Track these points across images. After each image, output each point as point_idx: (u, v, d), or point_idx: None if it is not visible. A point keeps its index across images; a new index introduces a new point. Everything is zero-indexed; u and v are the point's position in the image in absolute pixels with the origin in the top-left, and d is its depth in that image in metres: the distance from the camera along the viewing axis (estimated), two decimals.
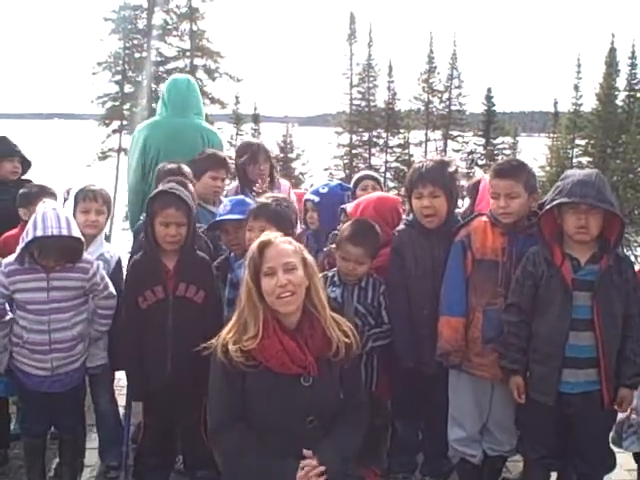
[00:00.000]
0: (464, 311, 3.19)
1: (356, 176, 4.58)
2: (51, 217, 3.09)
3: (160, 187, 3.36)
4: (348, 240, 3.27)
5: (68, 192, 4.05)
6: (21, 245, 3.11)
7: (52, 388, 3.23)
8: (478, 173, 4.51)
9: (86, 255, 3.24)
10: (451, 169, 3.34)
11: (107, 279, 3.33)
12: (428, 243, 3.32)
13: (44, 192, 3.74)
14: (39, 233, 3.04)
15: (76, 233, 3.14)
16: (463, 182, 4.09)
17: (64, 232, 3.07)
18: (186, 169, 3.95)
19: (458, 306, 3.19)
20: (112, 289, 3.33)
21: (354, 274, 3.31)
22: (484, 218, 3.24)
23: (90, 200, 3.55)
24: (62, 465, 3.49)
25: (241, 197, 3.78)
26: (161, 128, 4.53)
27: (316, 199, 3.99)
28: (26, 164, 4.42)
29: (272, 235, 2.53)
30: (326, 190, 4.03)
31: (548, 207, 2.93)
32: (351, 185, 4.38)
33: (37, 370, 3.20)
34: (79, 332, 3.24)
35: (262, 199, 3.37)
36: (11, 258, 3.18)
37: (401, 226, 3.44)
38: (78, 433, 3.48)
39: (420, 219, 3.32)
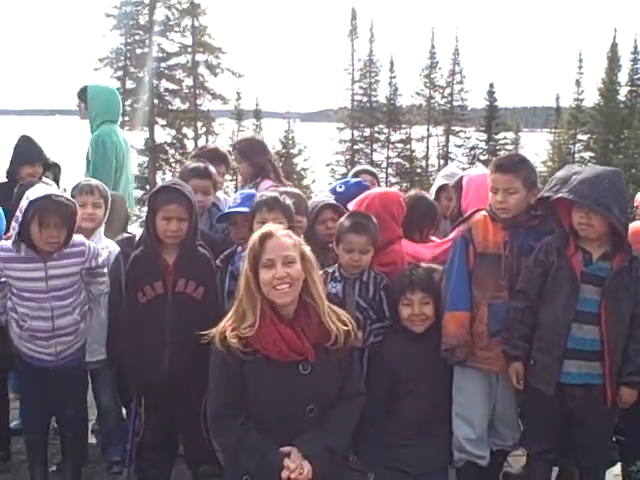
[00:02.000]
0: (469, 305, 3.15)
1: (353, 170, 4.60)
2: (39, 186, 3.18)
3: (162, 183, 3.38)
4: (350, 230, 3.24)
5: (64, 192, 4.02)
6: (15, 227, 3.05)
7: (56, 366, 3.22)
8: (480, 169, 4.51)
9: (77, 237, 3.20)
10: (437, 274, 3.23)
11: (101, 256, 3.31)
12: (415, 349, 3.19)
13: None
14: (33, 197, 3.01)
15: (69, 197, 3.20)
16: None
17: (57, 192, 3.15)
18: (212, 169, 3.97)
19: (463, 301, 3.15)
20: (105, 270, 3.34)
21: (359, 265, 3.25)
22: (483, 212, 3.22)
23: (86, 194, 3.55)
24: (65, 460, 3.49)
25: (252, 191, 3.78)
26: (120, 136, 4.98)
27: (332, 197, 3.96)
28: (47, 166, 4.40)
29: (273, 227, 2.53)
30: (343, 189, 4.03)
31: (553, 199, 2.98)
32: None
33: (41, 355, 3.18)
34: (79, 313, 3.23)
35: (272, 192, 3.37)
36: (7, 243, 3.14)
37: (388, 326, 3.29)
38: (80, 428, 3.47)
39: (407, 324, 3.19)
